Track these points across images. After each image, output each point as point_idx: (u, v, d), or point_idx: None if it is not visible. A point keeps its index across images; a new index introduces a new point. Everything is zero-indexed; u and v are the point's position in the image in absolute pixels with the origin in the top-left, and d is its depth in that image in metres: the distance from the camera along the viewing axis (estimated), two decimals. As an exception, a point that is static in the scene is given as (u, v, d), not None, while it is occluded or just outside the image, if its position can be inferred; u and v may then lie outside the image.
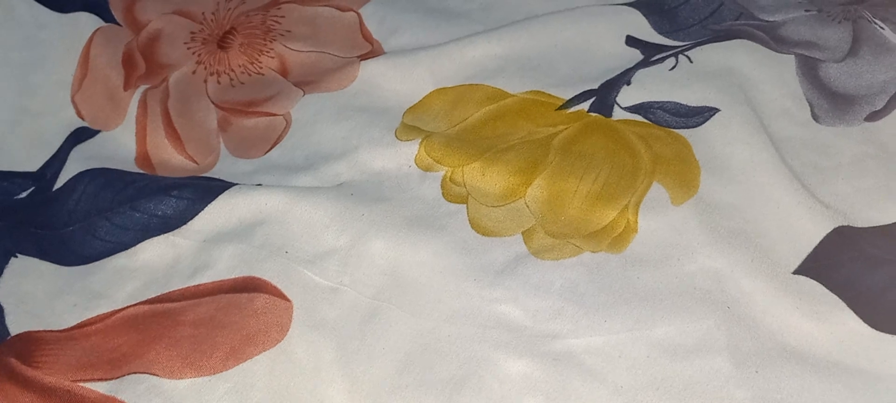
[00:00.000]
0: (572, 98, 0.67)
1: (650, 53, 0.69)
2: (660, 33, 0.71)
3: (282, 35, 0.75)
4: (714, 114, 0.64)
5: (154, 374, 0.55)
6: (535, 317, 0.56)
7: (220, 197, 0.63)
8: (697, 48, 0.68)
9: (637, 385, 0.52)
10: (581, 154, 0.63)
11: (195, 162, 0.69)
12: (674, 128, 0.64)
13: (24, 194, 0.68)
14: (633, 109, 0.66)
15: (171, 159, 0.70)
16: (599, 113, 0.66)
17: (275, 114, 0.70)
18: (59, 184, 0.67)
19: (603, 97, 0.67)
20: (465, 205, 0.62)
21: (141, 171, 0.68)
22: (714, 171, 0.61)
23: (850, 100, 0.65)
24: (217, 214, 0.63)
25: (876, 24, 0.68)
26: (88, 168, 0.67)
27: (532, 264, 0.58)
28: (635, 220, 0.59)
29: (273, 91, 0.72)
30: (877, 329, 0.53)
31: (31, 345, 0.57)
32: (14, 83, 0.73)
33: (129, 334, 0.57)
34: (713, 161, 0.62)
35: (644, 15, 0.72)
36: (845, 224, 0.58)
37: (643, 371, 0.53)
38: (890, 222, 0.58)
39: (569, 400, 0.52)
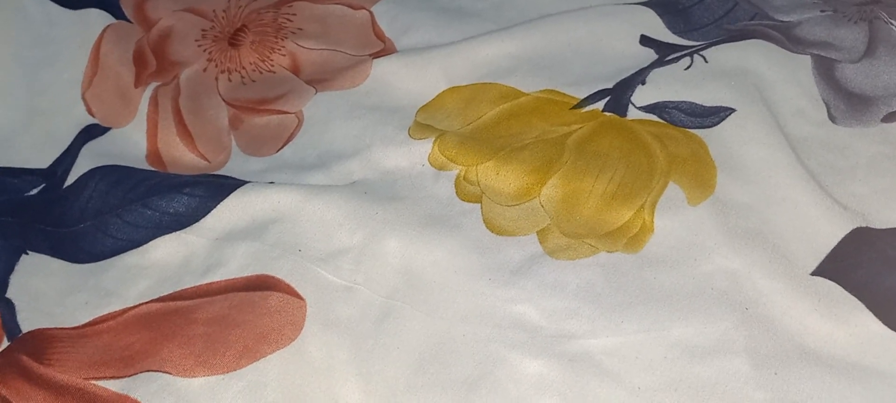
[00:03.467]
0: (587, 97, 0.67)
1: (665, 53, 0.69)
2: (674, 33, 0.70)
3: (293, 33, 0.75)
4: (729, 114, 0.64)
5: (167, 372, 0.54)
6: (550, 317, 0.56)
7: (232, 195, 0.63)
8: (712, 48, 0.68)
9: (654, 386, 0.52)
10: (596, 153, 0.62)
11: (206, 159, 0.69)
12: (689, 127, 0.63)
13: (34, 191, 0.67)
14: (648, 109, 0.65)
15: (183, 157, 0.69)
16: (614, 112, 0.65)
17: (287, 112, 0.70)
18: (70, 181, 0.67)
19: (618, 96, 0.66)
20: (479, 205, 0.62)
21: (152, 169, 0.68)
22: (730, 171, 0.61)
23: (867, 101, 0.64)
24: (229, 212, 0.62)
25: (892, 24, 0.68)
26: (99, 165, 0.67)
27: (547, 264, 0.58)
28: (651, 220, 0.59)
29: (285, 89, 0.71)
30: (896, 330, 0.53)
31: (42, 343, 0.57)
32: (25, 80, 0.73)
33: (141, 332, 0.57)
34: (729, 161, 0.61)
35: (658, 14, 0.71)
36: (863, 225, 0.58)
37: (660, 372, 0.52)
38: (908, 223, 0.58)
39: (585, 401, 0.52)
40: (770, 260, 0.56)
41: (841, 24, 0.69)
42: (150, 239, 0.62)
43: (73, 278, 0.61)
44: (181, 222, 0.62)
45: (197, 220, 0.62)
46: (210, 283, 0.59)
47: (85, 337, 0.57)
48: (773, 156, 0.61)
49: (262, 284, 0.58)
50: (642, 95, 0.66)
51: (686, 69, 0.67)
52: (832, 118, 0.64)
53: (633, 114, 0.65)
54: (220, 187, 0.64)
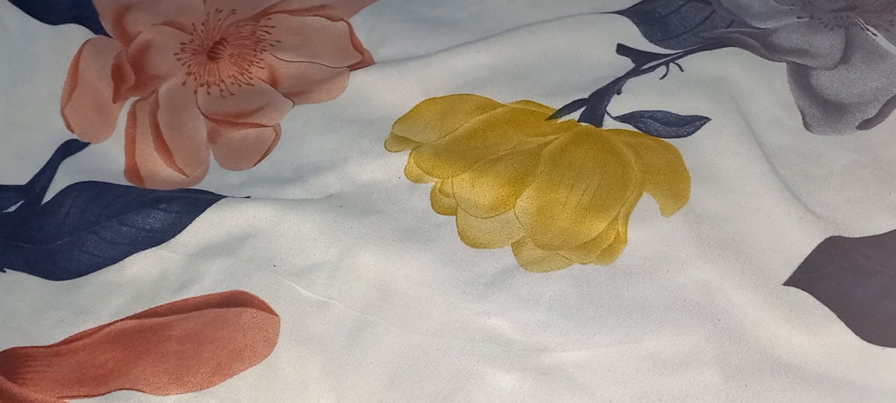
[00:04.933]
0: (562, 107, 0.66)
1: (641, 62, 0.69)
2: (651, 41, 0.70)
3: (272, 45, 0.75)
4: (705, 123, 0.63)
5: (140, 390, 0.54)
6: (523, 330, 0.56)
7: (208, 210, 0.63)
8: (688, 56, 0.68)
9: (626, 399, 0.52)
10: (571, 164, 0.62)
11: (184, 174, 0.69)
12: (664, 137, 0.63)
13: (12, 208, 0.67)
14: (624, 119, 0.65)
15: (161, 171, 0.69)
16: (590, 122, 0.65)
17: (264, 126, 0.70)
18: (48, 197, 0.67)
19: (593, 106, 0.66)
20: (454, 217, 0.62)
21: (129, 184, 0.68)
22: (704, 181, 0.61)
23: (842, 108, 0.64)
24: (205, 228, 0.62)
25: (868, 31, 0.68)
26: (77, 181, 0.67)
27: (521, 276, 0.58)
28: (625, 231, 0.59)
29: (263, 102, 0.72)
30: (868, 341, 0.53)
31: (16, 362, 0.57)
32: (3, 95, 0.73)
33: (115, 350, 0.57)
34: (704, 170, 0.61)
35: (635, 23, 0.71)
36: (837, 234, 0.57)
37: (632, 385, 0.52)
38: (882, 232, 0.58)
39: (557, 415, 0.52)
40: (742, 271, 0.56)
41: (817, 30, 0.69)
42: (126, 256, 0.62)
43: (49, 295, 0.61)
44: (157, 238, 0.62)
45: (172, 236, 0.62)
46: (185, 300, 0.59)
47: (60, 356, 0.57)
48: (748, 165, 0.61)
49: (236, 300, 0.58)
50: (618, 105, 0.66)
51: (662, 78, 0.67)
52: (807, 126, 0.64)
53: (608, 124, 0.65)
54: (195, 202, 0.64)
